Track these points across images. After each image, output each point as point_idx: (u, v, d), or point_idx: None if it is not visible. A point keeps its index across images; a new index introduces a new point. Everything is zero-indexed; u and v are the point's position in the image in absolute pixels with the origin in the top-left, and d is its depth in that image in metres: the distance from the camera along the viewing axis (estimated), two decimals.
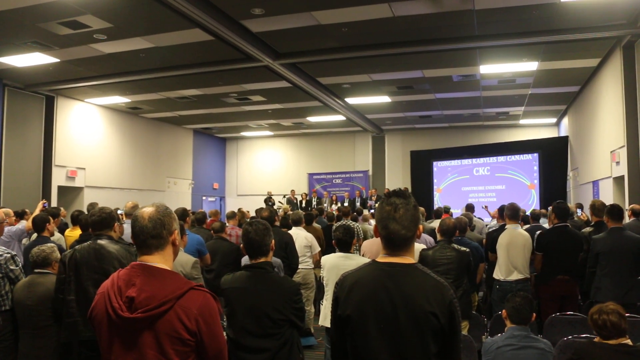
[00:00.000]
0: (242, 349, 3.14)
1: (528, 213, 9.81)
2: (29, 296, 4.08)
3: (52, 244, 4.52)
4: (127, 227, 6.28)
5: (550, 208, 6.30)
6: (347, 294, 2.18)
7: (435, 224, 8.03)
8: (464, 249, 5.47)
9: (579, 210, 9.37)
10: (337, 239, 4.89)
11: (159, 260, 2.12)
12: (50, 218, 6.00)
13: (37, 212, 6.87)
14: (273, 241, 3.37)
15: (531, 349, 3.58)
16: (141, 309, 1.97)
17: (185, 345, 2.00)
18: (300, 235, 7.20)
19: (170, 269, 2.14)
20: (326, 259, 4.93)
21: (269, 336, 3.12)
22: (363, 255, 5.66)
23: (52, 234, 5.95)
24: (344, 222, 8.48)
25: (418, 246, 5.97)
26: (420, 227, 2.19)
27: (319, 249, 7.47)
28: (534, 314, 3.84)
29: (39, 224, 5.78)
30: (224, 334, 2.86)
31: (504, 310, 3.85)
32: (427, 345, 2.01)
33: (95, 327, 2.11)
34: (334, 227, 5.53)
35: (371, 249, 5.76)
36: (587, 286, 5.86)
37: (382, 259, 2.18)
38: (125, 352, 2.01)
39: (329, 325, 4.70)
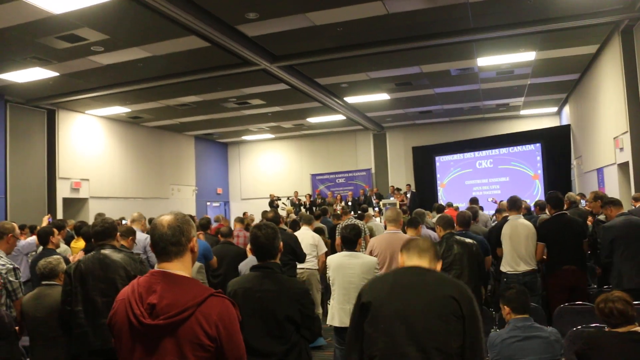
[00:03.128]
0: (249, 351, 3.13)
1: (532, 204, 9.75)
2: (37, 308, 4.11)
3: (58, 256, 4.55)
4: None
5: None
6: None
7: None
8: (470, 240, 5.46)
9: (583, 202, 9.34)
10: (343, 236, 4.89)
11: (179, 267, 2.15)
12: (55, 230, 6.03)
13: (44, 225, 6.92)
14: (282, 243, 3.37)
15: (536, 339, 3.59)
16: (163, 315, 2.00)
17: (205, 351, 2.02)
18: (307, 235, 7.33)
19: (190, 276, 2.17)
20: (332, 259, 4.93)
21: (275, 338, 3.10)
22: (371, 253, 5.61)
23: (58, 246, 5.99)
24: (349, 221, 8.51)
25: None
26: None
27: (326, 249, 7.50)
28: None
29: (43, 237, 5.85)
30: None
31: (504, 307, 3.85)
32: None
33: (114, 333, 2.14)
34: (341, 225, 5.44)
35: (380, 245, 5.69)
36: (606, 277, 5.82)
37: None
38: (146, 358, 2.04)
39: (336, 324, 4.71)
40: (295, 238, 6.71)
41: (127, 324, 2.06)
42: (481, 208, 10.89)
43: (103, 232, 4.15)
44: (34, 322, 4.11)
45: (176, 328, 2.01)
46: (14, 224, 4.71)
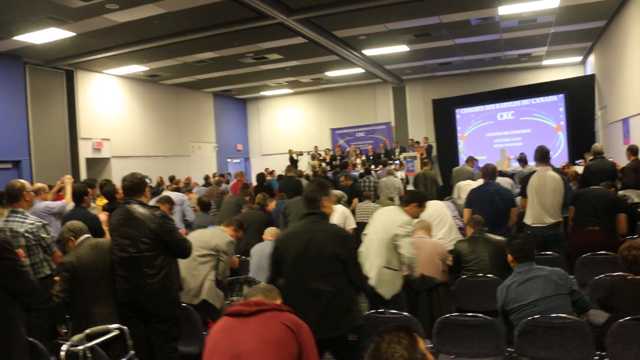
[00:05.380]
0: (297, 291, 3.33)
1: (555, 156, 9.65)
2: (99, 259, 4.11)
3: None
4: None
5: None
6: None
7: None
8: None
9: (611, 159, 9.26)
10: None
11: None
12: (89, 190, 6.17)
13: (69, 189, 6.99)
14: (326, 199, 3.61)
15: (536, 279, 3.70)
16: (256, 307, 2.57)
17: (286, 328, 2.49)
18: (338, 209, 7.46)
19: None
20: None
21: (322, 277, 3.31)
22: None
23: (89, 205, 6.10)
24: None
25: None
26: None
27: (354, 225, 7.61)
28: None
29: (78, 196, 5.95)
30: None
31: (509, 255, 3.93)
32: None
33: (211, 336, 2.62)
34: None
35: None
36: None
37: None
38: (241, 335, 2.50)
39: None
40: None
41: (225, 319, 2.62)
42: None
43: (132, 187, 4.15)
44: (94, 273, 4.08)
45: (262, 313, 2.54)
46: (22, 181, 4.75)
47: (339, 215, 7.21)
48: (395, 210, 4.71)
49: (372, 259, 4.47)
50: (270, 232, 5.97)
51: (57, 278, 4.57)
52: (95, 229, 5.45)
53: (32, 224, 4.46)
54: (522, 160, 10.85)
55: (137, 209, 4.05)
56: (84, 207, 5.88)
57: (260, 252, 5.51)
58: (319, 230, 3.42)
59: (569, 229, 6.23)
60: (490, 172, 6.54)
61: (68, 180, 7.08)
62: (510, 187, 8.72)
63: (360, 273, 3.51)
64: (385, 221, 4.57)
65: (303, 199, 3.68)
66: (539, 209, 5.80)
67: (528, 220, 5.92)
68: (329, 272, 3.31)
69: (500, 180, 8.22)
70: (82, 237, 4.15)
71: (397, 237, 4.39)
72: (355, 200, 9.58)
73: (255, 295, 2.75)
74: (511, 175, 10.79)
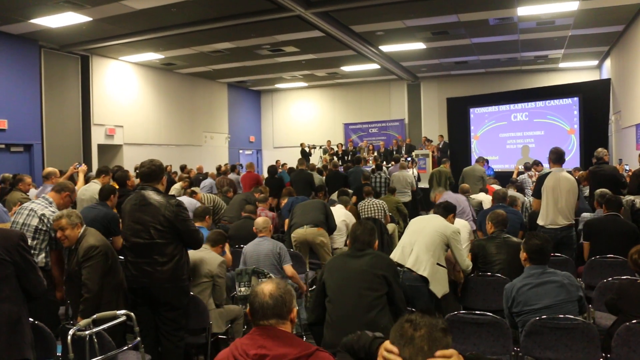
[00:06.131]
0: (344, 299, 3.54)
1: (567, 159, 9.56)
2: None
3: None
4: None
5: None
6: None
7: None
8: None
9: (620, 160, 9.12)
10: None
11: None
12: (103, 176, 6.18)
13: (81, 177, 7.02)
14: (377, 242, 3.93)
15: (548, 284, 3.62)
16: None
17: None
18: (340, 212, 7.54)
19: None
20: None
21: (370, 289, 3.53)
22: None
23: (114, 205, 5.86)
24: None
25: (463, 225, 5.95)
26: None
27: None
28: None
29: (106, 193, 5.74)
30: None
31: (523, 253, 3.82)
32: None
33: None
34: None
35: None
36: None
37: None
38: None
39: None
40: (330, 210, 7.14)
41: None
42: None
43: (149, 174, 4.10)
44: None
45: None
46: (75, 187, 4.82)
47: (340, 221, 7.30)
48: (442, 218, 4.83)
49: (420, 256, 4.46)
50: (260, 224, 5.61)
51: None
52: (113, 228, 5.42)
53: (52, 212, 4.48)
54: (535, 163, 10.80)
55: (153, 195, 4.01)
56: (109, 206, 5.70)
57: (257, 253, 5.42)
58: (368, 253, 3.69)
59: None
60: (500, 197, 7.07)
61: (82, 169, 7.11)
62: (524, 200, 8.71)
63: (403, 297, 3.69)
64: (435, 225, 4.65)
65: (352, 237, 3.84)
66: (553, 210, 5.79)
67: (541, 221, 5.91)
68: (376, 288, 3.52)
69: (513, 193, 8.26)
70: (84, 226, 4.18)
71: (451, 242, 4.58)
72: (354, 198, 9.44)
73: (267, 318, 2.13)
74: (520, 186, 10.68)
